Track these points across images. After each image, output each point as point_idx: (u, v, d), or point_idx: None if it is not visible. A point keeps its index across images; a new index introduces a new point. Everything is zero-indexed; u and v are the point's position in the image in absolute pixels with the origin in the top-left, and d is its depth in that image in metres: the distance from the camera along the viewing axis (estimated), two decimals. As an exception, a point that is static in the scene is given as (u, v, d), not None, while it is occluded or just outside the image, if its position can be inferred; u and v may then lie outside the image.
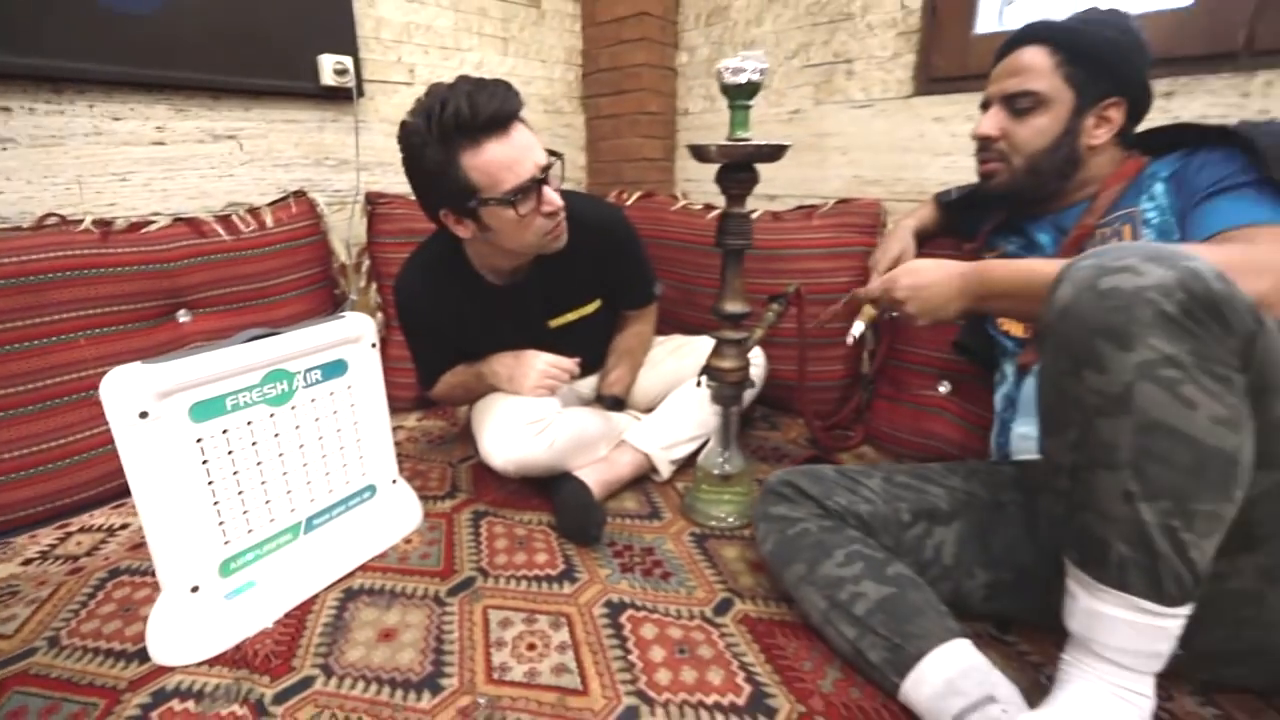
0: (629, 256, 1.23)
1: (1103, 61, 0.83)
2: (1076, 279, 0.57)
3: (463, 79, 0.91)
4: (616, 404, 1.25)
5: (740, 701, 0.71)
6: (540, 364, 1.10)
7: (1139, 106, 0.86)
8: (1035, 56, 0.85)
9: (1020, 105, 0.87)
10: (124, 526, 1.07)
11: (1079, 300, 0.56)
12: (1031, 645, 0.80)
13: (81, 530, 1.06)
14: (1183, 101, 1.13)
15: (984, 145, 0.92)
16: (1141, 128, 0.90)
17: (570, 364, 1.12)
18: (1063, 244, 0.89)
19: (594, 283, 1.20)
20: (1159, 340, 0.52)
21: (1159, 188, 0.81)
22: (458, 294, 1.11)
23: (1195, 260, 0.53)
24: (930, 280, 0.84)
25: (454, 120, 0.87)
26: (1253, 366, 0.53)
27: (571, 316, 1.20)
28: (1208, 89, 1.11)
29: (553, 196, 0.96)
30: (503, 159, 0.90)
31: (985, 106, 0.93)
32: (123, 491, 1.14)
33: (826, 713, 0.70)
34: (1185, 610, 0.56)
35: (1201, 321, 0.52)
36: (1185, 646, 0.65)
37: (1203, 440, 0.52)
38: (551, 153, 0.96)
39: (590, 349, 1.27)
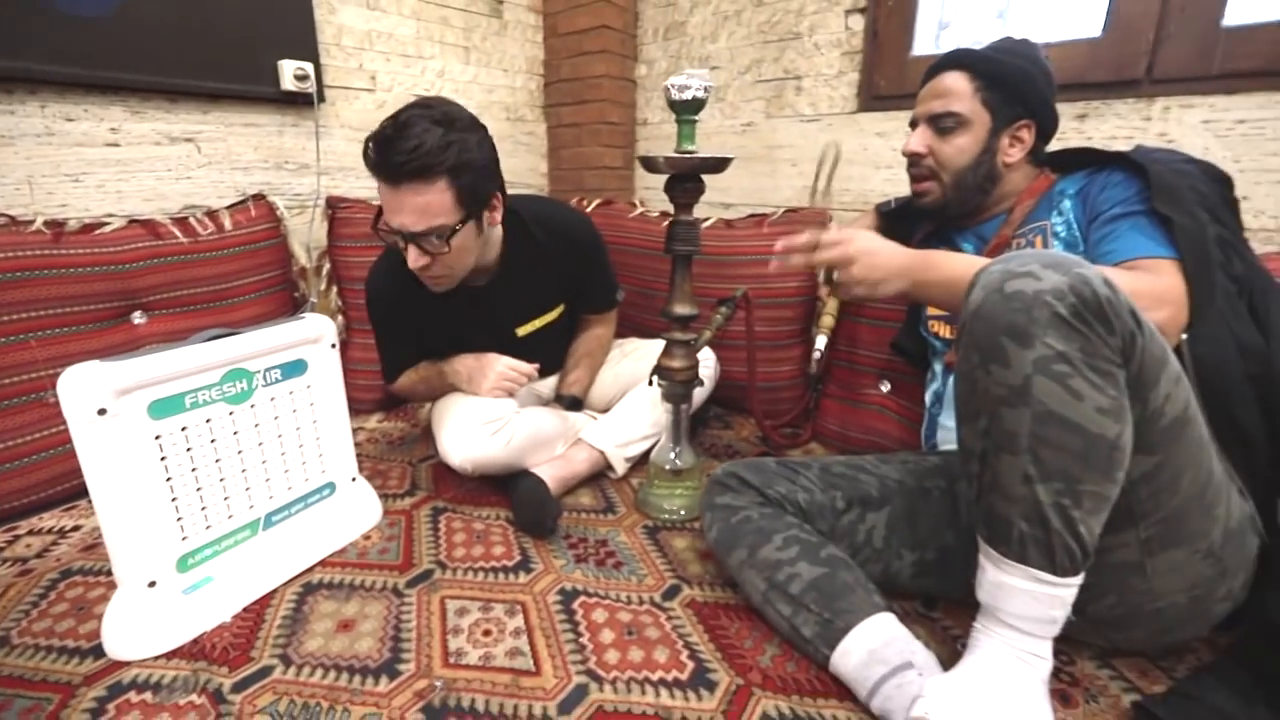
0: (596, 262, 1.28)
1: (1015, 87, 0.91)
2: (986, 283, 0.63)
3: (415, 112, 0.93)
4: (574, 404, 1.29)
5: (683, 677, 0.76)
6: (500, 366, 1.14)
7: (1046, 128, 0.94)
8: (957, 81, 0.93)
9: (944, 125, 0.94)
10: (75, 528, 1.06)
11: (987, 302, 0.62)
12: (954, 620, 0.87)
13: (30, 533, 1.05)
14: (1094, 123, 1.24)
15: (914, 161, 0.99)
16: (1055, 147, 0.99)
17: (529, 368, 1.16)
18: (984, 252, 0.97)
19: (560, 288, 1.25)
20: (1053, 339, 0.59)
21: (1067, 204, 0.90)
22: (421, 287, 1.09)
23: (1086, 268, 0.60)
24: (880, 248, 0.85)
25: (367, 152, 0.94)
26: (1132, 363, 0.61)
27: (539, 323, 1.25)
28: (1115, 112, 1.21)
29: (412, 257, 0.98)
30: (384, 199, 0.97)
31: (914, 125, 1.00)
32: (73, 494, 1.14)
33: (764, 684, 0.75)
34: (1076, 580, 0.63)
35: (1089, 323, 0.58)
36: (1080, 613, 0.73)
37: (1089, 428, 0.59)
38: (440, 231, 0.96)
39: (553, 353, 1.32)
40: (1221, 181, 0.82)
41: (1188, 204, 0.75)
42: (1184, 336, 0.72)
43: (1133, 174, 0.82)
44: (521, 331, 1.23)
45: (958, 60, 0.94)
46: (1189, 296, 0.72)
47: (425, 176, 0.92)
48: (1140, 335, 0.60)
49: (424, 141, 0.90)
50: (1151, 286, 0.72)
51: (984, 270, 0.64)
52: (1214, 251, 0.74)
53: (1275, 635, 0.71)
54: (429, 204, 0.94)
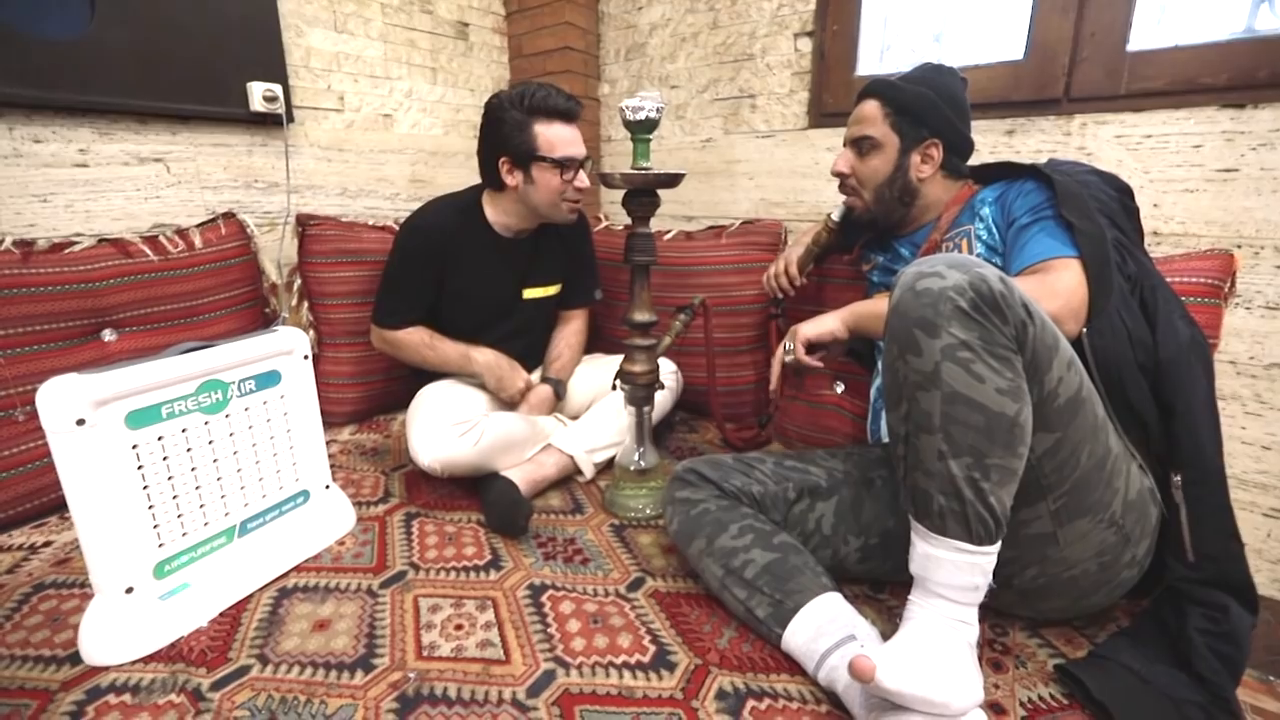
0: (587, 254, 1.51)
1: (919, 112, 1.02)
2: (903, 283, 0.71)
3: (548, 83, 1.23)
4: (559, 386, 1.39)
5: (645, 659, 0.81)
6: (516, 381, 1.31)
7: (955, 145, 1.04)
8: (870, 108, 1.05)
9: (862, 147, 1.06)
10: (46, 544, 1.07)
11: (902, 299, 0.70)
12: (899, 602, 0.93)
13: (0, 549, 1.06)
14: (1021, 138, 1.34)
15: (841, 179, 1.11)
16: (987, 160, 1.08)
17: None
18: (917, 255, 1.06)
19: (561, 266, 1.44)
20: (956, 329, 0.66)
21: (987, 210, 0.98)
22: (466, 232, 1.31)
23: (984, 268, 0.68)
24: (814, 318, 1.04)
25: (543, 100, 1.19)
26: (1026, 349, 0.68)
27: (540, 292, 1.42)
28: (1039, 128, 1.31)
29: (584, 179, 1.25)
30: (564, 137, 1.21)
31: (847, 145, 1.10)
32: (44, 510, 1.15)
33: (721, 663, 0.81)
34: (992, 549, 0.70)
35: (985, 314, 0.66)
36: (1008, 587, 0.80)
37: (990, 407, 0.66)
38: (589, 157, 1.27)
39: (536, 336, 1.46)
40: (1122, 191, 0.91)
41: (1089, 211, 0.84)
42: (1084, 330, 0.80)
43: (1043, 184, 0.91)
44: (527, 294, 1.40)
45: (871, 90, 1.06)
46: (1089, 291, 0.80)
47: (579, 119, 1.25)
48: (1031, 325, 0.67)
49: (573, 97, 1.22)
50: (1045, 283, 0.80)
51: (902, 271, 0.72)
52: (1111, 253, 0.82)
53: (1175, 597, 0.79)
54: (581, 139, 1.25)
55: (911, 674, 0.66)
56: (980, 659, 0.76)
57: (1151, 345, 0.79)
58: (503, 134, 1.21)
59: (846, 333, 1.01)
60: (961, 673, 0.69)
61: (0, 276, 1.10)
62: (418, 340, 1.33)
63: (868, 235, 1.17)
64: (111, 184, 1.34)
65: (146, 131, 1.38)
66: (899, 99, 1.02)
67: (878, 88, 1.05)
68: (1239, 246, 1.15)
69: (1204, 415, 0.80)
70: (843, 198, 1.14)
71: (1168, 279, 0.88)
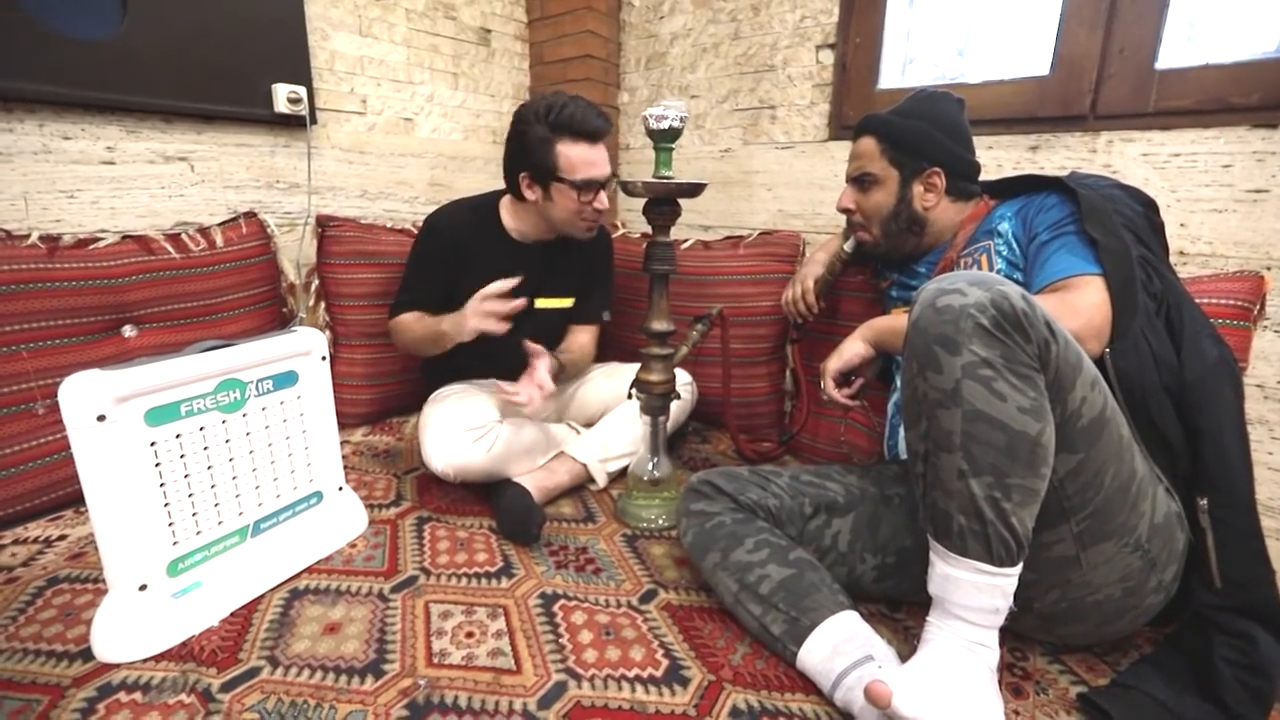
0: (605, 271, 1.46)
1: (915, 145, 1.02)
2: (923, 300, 0.70)
3: (579, 97, 1.20)
4: (561, 370, 1.34)
5: (658, 674, 0.80)
6: (475, 298, 1.15)
7: (957, 170, 1.03)
8: (868, 144, 1.05)
9: (863, 183, 1.07)
10: (61, 538, 1.08)
11: (922, 316, 0.69)
12: (916, 621, 0.92)
13: (16, 542, 1.06)
14: (1046, 154, 1.32)
15: (846, 215, 1.12)
16: (1010, 173, 1.07)
17: (506, 284, 1.15)
18: (934, 273, 1.05)
19: (577, 280, 1.41)
20: (977, 346, 0.65)
21: (1005, 226, 0.97)
22: (484, 236, 1.31)
23: (1006, 285, 0.67)
24: (839, 347, 1.04)
25: (569, 118, 1.15)
26: (1049, 368, 0.67)
27: (554, 304, 1.39)
28: (1064, 145, 1.30)
29: (603, 199, 1.23)
30: (586, 158, 1.18)
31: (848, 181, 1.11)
32: (60, 504, 1.15)
33: (734, 680, 0.79)
34: (1014, 571, 0.68)
35: (1008, 332, 0.65)
36: (1029, 610, 0.78)
37: (1011, 425, 0.65)
38: (613, 174, 1.25)
39: (547, 345, 1.40)
40: (1146, 206, 0.89)
41: (1114, 226, 0.83)
42: (1106, 350, 0.78)
43: (1066, 198, 0.90)
44: (540, 303, 1.36)
45: (867, 126, 1.06)
46: (1112, 310, 0.79)
47: (606, 136, 1.21)
48: (1054, 343, 0.66)
49: (602, 113, 1.19)
50: (1063, 300, 0.79)
51: (922, 288, 0.71)
52: (1136, 270, 0.81)
53: (1201, 625, 0.77)
54: (607, 158, 1.23)
55: (929, 700, 0.65)
56: (1000, 684, 0.74)
57: (1177, 366, 0.78)
58: (526, 147, 1.19)
59: (871, 350, 1.00)
60: (981, 698, 0.67)
61: (25, 271, 1.12)
62: (409, 321, 1.29)
63: (882, 265, 1.17)
64: (137, 181, 1.36)
65: (172, 131, 1.39)
66: (893, 134, 1.02)
67: (871, 124, 1.05)
68: (1269, 269, 1.13)
69: (1232, 437, 0.78)
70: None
71: (1195, 300, 0.86)
